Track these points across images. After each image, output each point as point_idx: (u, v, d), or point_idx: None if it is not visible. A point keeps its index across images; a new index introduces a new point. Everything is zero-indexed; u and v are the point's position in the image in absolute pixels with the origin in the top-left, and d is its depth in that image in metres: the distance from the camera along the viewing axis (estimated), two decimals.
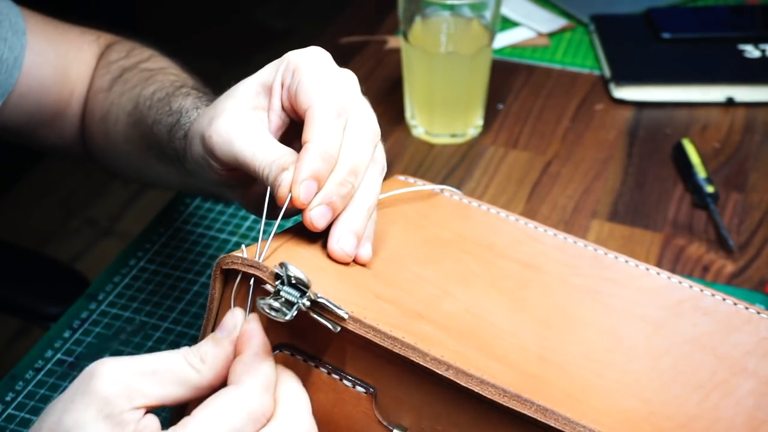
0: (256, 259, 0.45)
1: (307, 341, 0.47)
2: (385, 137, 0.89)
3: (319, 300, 0.43)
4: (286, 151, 0.48)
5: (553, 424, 0.41)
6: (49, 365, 0.65)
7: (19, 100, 0.69)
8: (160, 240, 0.77)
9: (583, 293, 0.51)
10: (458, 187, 0.82)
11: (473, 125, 0.89)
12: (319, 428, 0.45)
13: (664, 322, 0.49)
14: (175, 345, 0.67)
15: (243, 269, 0.45)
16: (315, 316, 0.43)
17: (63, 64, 0.71)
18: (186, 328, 0.68)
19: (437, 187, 0.58)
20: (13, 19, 0.67)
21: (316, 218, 0.47)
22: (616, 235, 0.77)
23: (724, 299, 0.51)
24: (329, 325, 0.43)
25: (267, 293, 0.45)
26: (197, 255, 0.75)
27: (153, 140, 0.62)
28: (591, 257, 0.54)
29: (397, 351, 0.43)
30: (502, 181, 0.83)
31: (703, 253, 0.75)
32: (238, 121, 0.49)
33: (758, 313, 0.50)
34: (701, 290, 0.52)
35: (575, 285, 0.52)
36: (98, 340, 0.67)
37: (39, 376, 0.64)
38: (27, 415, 0.62)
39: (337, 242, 0.47)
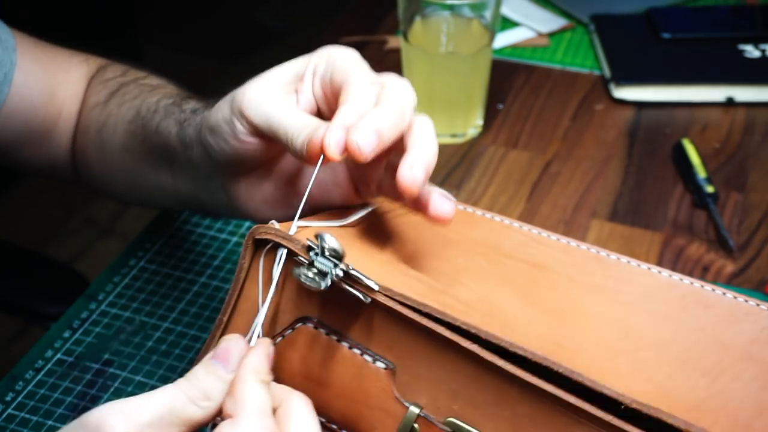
0: (289, 232, 0.47)
1: (331, 315, 0.47)
2: None
3: (351, 272, 0.44)
4: (317, 121, 0.48)
5: (572, 402, 0.41)
6: (49, 365, 0.65)
7: (7, 120, 0.68)
8: (160, 240, 0.77)
9: (590, 289, 0.52)
10: (458, 187, 0.82)
11: (473, 125, 0.89)
12: (336, 402, 0.47)
13: (669, 315, 0.51)
14: (175, 345, 0.67)
15: (276, 239, 0.46)
16: (346, 287, 0.44)
17: (51, 84, 0.70)
18: (186, 328, 0.68)
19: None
20: (2, 36, 0.67)
21: (363, 139, 0.45)
22: (616, 235, 0.77)
23: (724, 293, 0.53)
24: (360, 296, 0.44)
25: (298, 265, 0.45)
26: (197, 255, 0.75)
27: (156, 141, 0.61)
28: (594, 258, 0.55)
29: (423, 323, 0.44)
30: (502, 181, 0.83)
31: (703, 253, 0.75)
32: (272, 90, 0.50)
33: (758, 305, 0.52)
34: (702, 286, 0.53)
35: (582, 282, 0.53)
36: (98, 340, 0.67)
37: (39, 376, 0.64)
38: (27, 415, 0.62)
39: (411, 168, 0.46)
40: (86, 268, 1.70)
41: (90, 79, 0.72)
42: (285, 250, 0.46)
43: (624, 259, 0.55)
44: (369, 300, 0.44)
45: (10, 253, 1.05)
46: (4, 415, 0.62)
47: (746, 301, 0.52)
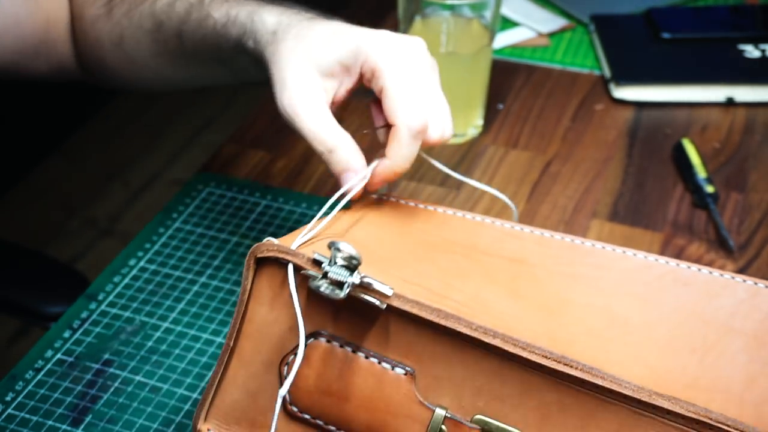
0: (292, 247, 0.47)
1: (343, 327, 0.47)
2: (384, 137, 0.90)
3: (365, 279, 0.44)
4: (339, 137, 0.54)
5: (600, 383, 0.42)
6: (49, 365, 0.65)
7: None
8: (160, 240, 0.77)
9: (571, 279, 0.53)
10: (458, 188, 0.82)
11: (473, 125, 0.89)
12: (359, 415, 0.46)
13: (650, 297, 0.52)
14: (175, 345, 0.67)
15: (281, 256, 0.46)
16: (362, 295, 0.44)
17: None
18: (186, 328, 0.68)
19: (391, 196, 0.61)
20: None
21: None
22: (616, 235, 0.77)
23: (699, 269, 0.54)
24: (376, 302, 0.44)
25: (312, 278, 0.45)
26: (197, 255, 0.75)
27: (200, 44, 0.64)
28: (570, 247, 0.56)
29: (442, 323, 0.44)
30: (502, 181, 0.83)
31: (703, 253, 0.75)
32: (304, 98, 0.55)
33: (733, 277, 0.53)
34: (677, 264, 0.54)
35: (562, 273, 0.54)
36: (98, 340, 0.67)
37: (39, 376, 0.64)
38: (27, 415, 0.62)
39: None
40: (86, 268, 1.70)
41: None
42: (292, 266, 0.46)
43: (599, 245, 0.56)
44: (384, 306, 0.44)
45: (10, 253, 1.05)
46: (4, 415, 0.62)
47: (721, 275, 0.53)
